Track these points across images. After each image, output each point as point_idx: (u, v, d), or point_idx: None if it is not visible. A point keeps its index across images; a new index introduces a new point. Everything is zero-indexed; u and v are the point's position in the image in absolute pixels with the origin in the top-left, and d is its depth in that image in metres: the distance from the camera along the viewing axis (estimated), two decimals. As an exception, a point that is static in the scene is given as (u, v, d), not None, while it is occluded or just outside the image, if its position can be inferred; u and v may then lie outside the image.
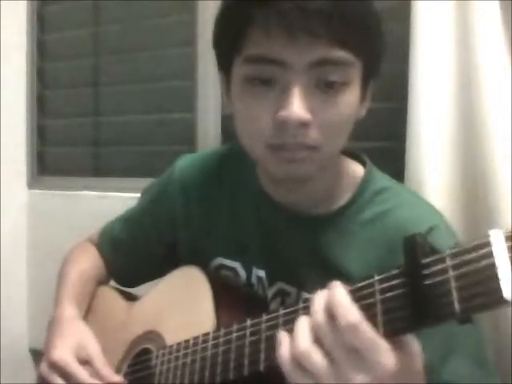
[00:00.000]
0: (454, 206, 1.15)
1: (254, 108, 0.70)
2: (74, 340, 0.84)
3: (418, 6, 1.15)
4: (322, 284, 0.55)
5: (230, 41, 0.72)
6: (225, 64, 0.75)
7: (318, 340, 0.52)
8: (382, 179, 0.82)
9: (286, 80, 0.67)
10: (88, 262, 1.01)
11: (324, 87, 0.68)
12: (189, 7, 1.61)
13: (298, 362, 0.53)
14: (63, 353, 0.82)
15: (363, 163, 0.83)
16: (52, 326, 0.88)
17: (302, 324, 0.54)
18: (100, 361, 0.82)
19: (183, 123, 1.70)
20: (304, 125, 0.67)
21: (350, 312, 0.50)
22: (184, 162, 0.93)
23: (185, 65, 1.65)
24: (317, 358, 0.52)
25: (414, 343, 0.53)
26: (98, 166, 1.91)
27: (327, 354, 0.51)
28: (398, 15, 1.31)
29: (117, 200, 1.63)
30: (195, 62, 1.57)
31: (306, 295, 0.77)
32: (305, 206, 0.80)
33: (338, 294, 0.52)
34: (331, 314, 0.52)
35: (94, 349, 0.84)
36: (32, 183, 1.94)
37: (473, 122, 1.12)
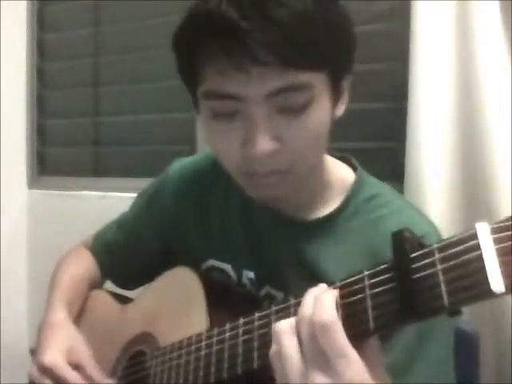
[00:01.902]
0: (453, 207, 1.15)
1: (221, 140, 0.70)
2: (65, 344, 0.84)
3: (418, 6, 1.15)
4: (299, 292, 0.56)
5: (187, 75, 0.71)
6: (189, 90, 0.74)
7: (297, 330, 0.52)
8: (373, 185, 0.80)
9: (247, 112, 0.65)
10: (81, 266, 1.00)
11: (288, 111, 0.65)
12: (188, 7, 1.61)
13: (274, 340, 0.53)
14: (54, 356, 0.81)
15: (354, 167, 0.82)
16: (42, 330, 0.88)
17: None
18: (90, 364, 0.82)
19: (183, 123, 1.71)
20: (272, 154, 0.66)
21: (326, 311, 0.50)
22: (178, 165, 0.93)
23: (185, 65, 1.65)
24: (287, 342, 0.52)
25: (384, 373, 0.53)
26: (98, 166, 1.91)
27: (300, 345, 0.52)
28: (398, 15, 1.31)
29: (117, 200, 1.63)
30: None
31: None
32: (293, 211, 0.79)
33: (326, 291, 0.52)
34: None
35: (83, 353, 0.83)
36: (32, 183, 1.95)
37: (473, 123, 1.12)
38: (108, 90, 1.86)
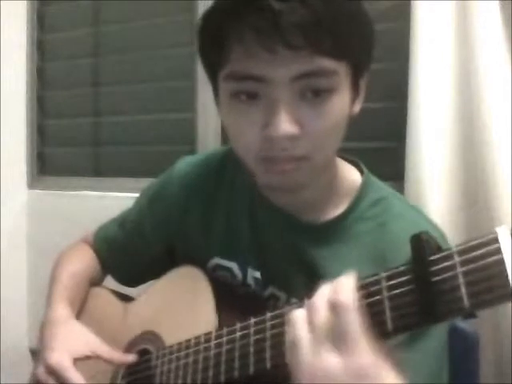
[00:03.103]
0: (453, 206, 1.15)
1: (241, 123, 0.70)
2: (71, 341, 0.84)
3: (417, 5, 1.15)
4: (311, 293, 0.56)
5: (212, 57, 0.72)
6: (211, 77, 0.75)
7: (308, 316, 0.53)
8: (379, 189, 0.81)
9: (270, 95, 0.66)
10: (81, 262, 1.00)
11: (310, 96, 0.67)
12: (189, 7, 1.61)
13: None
14: (60, 356, 0.81)
15: (361, 170, 0.83)
16: (46, 328, 0.88)
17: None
18: (106, 349, 0.83)
19: (183, 123, 1.71)
20: (292, 138, 0.67)
21: (346, 292, 0.51)
22: (184, 163, 0.93)
23: (185, 65, 1.65)
24: (299, 325, 0.53)
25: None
26: (98, 165, 1.91)
27: (313, 327, 0.52)
28: (398, 15, 1.31)
29: (117, 200, 1.62)
30: (195, 62, 1.57)
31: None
32: (301, 211, 0.80)
33: (346, 277, 0.53)
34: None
35: (95, 342, 0.84)
36: (32, 183, 1.94)
37: (473, 122, 1.12)
38: (108, 89, 1.86)
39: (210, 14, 0.71)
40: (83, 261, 1.01)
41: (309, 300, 0.59)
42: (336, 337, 0.50)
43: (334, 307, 0.51)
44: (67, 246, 1.05)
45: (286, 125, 0.66)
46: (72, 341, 0.84)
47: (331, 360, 0.50)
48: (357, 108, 0.75)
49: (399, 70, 1.26)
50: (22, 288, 1.89)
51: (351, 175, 0.82)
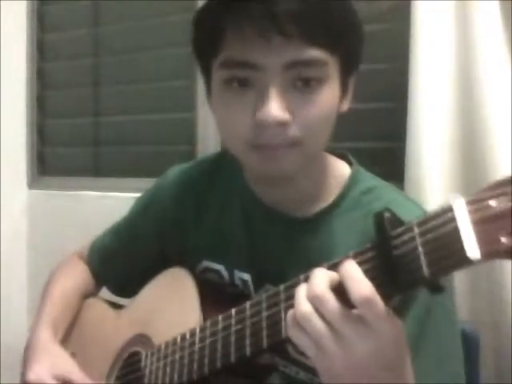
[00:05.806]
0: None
1: (232, 109, 0.71)
2: (50, 361, 0.85)
3: (418, 5, 1.15)
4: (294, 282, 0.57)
5: (206, 46, 0.74)
6: (204, 67, 0.77)
7: (317, 310, 0.53)
8: (369, 179, 0.82)
9: (262, 82, 0.68)
10: (74, 278, 1.00)
11: (301, 86, 0.69)
12: (189, 7, 1.61)
13: (300, 324, 0.54)
14: (38, 373, 0.83)
15: (350, 163, 0.83)
16: (27, 352, 0.89)
17: (302, 290, 0.55)
18: (78, 374, 0.83)
19: (183, 123, 1.71)
20: (283, 124, 0.68)
21: (364, 285, 0.52)
22: (175, 169, 0.94)
23: (185, 65, 1.65)
24: (317, 322, 0.53)
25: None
26: (98, 165, 1.91)
27: (328, 323, 0.53)
28: (398, 15, 1.31)
29: (117, 200, 1.63)
30: (195, 62, 1.57)
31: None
32: (292, 207, 0.80)
33: (350, 267, 0.53)
34: (336, 287, 0.53)
35: (70, 366, 0.85)
36: (32, 183, 1.95)
37: (473, 122, 1.12)
38: (108, 90, 1.86)
39: (206, 5, 0.73)
40: (76, 276, 1.00)
41: (283, 286, 0.60)
42: (364, 325, 0.52)
43: (361, 304, 0.51)
44: (61, 261, 1.04)
45: (276, 110, 0.67)
46: (50, 362, 0.85)
47: (362, 349, 0.52)
48: (345, 106, 0.77)
49: (399, 70, 1.26)
50: (22, 288, 1.89)
51: (340, 167, 0.83)
